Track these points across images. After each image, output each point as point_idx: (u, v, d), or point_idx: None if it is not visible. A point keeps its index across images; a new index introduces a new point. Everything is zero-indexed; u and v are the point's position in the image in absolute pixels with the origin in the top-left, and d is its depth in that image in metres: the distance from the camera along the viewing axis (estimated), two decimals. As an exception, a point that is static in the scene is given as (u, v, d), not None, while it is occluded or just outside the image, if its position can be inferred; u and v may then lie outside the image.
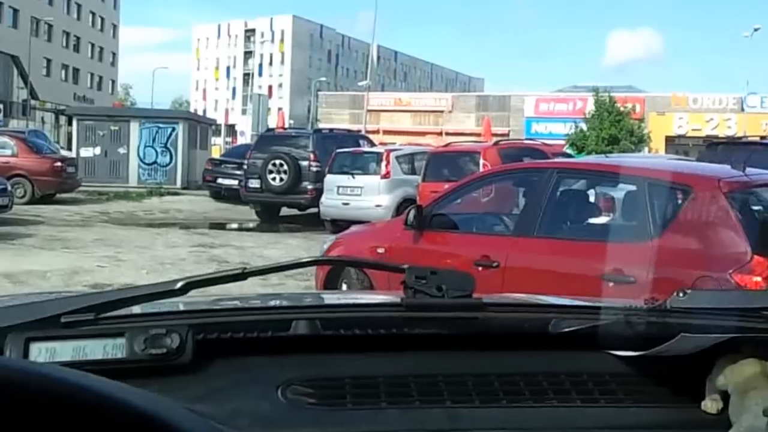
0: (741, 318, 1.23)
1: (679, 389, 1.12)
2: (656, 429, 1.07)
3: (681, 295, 1.34)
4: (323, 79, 76.39)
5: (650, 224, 4.52)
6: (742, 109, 38.72)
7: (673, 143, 35.90)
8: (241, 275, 1.26)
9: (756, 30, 40.82)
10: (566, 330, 1.24)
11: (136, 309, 1.25)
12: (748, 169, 4.70)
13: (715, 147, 11.69)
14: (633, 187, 5.00)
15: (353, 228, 7.16)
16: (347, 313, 1.39)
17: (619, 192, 5.61)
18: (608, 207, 5.62)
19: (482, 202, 6.92)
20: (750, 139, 12.71)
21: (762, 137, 12.71)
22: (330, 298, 2.96)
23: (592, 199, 5.98)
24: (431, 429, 1.03)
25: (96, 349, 1.09)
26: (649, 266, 4.19)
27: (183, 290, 1.21)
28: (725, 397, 1.07)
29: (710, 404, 1.09)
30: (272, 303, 1.58)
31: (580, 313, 1.35)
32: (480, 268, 4.82)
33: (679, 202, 4.60)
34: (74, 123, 25.37)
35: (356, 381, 1.12)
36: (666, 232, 4.46)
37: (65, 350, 1.07)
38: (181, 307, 1.32)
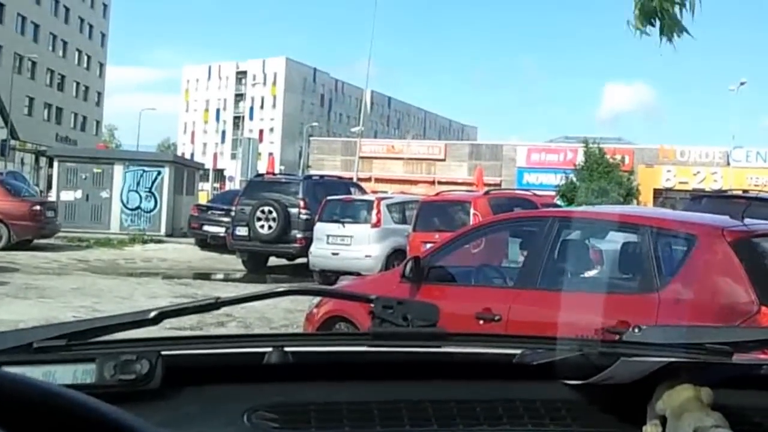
0: (684, 350, 1.35)
1: (623, 415, 1.21)
2: None
3: (636, 330, 1.48)
4: (315, 123, 77.01)
5: (655, 275, 4.53)
6: (728, 163, 40.15)
7: (661, 196, 36.54)
8: (214, 305, 1.33)
9: (742, 84, 41.93)
10: (525, 361, 1.33)
11: (108, 337, 1.28)
12: (746, 220, 4.74)
13: (699, 199, 12.25)
14: (636, 237, 4.99)
15: (344, 282, 7.11)
16: (315, 342, 1.47)
17: (621, 241, 5.58)
18: (610, 257, 5.56)
19: (478, 254, 6.87)
20: (733, 192, 13.39)
21: (745, 191, 13.41)
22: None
23: (594, 248, 5.95)
24: None
25: (66, 374, 1.12)
26: (655, 319, 4.14)
27: (156, 320, 1.27)
28: (664, 422, 1.15)
29: (650, 429, 1.17)
30: (241, 333, 1.58)
31: (538, 344, 1.43)
32: (481, 322, 4.81)
33: (684, 251, 4.62)
34: (55, 165, 25.12)
35: (321, 407, 1.17)
36: (672, 283, 4.45)
37: (35, 375, 1.06)
38: (153, 336, 1.35)
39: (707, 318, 4.09)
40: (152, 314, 1.27)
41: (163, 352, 1.18)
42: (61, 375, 1.12)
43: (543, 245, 5.11)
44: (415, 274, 5.27)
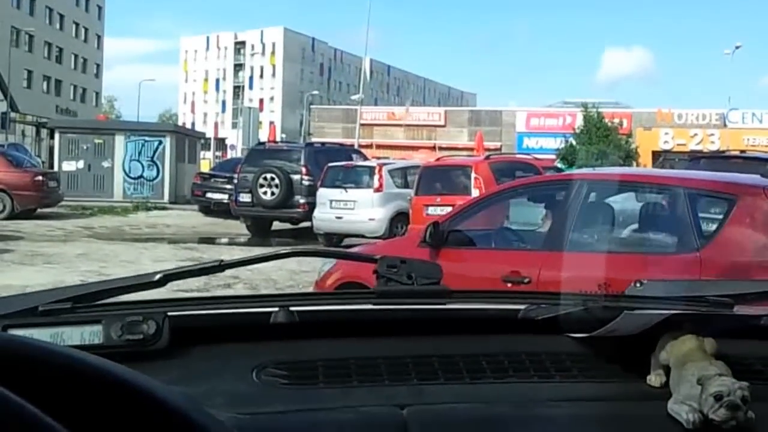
0: (686, 303, 1.38)
1: (627, 366, 1.23)
2: (605, 401, 1.15)
3: (638, 285, 1.52)
4: (315, 92, 76.56)
5: (695, 235, 4.49)
6: (725, 125, 40.28)
7: (660, 158, 36.56)
8: (218, 267, 1.33)
9: (737, 48, 41.79)
10: (529, 316, 1.35)
11: (114, 299, 1.29)
12: None
13: (697, 160, 12.30)
14: (671, 198, 4.95)
15: (355, 249, 7.03)
16: (321, 301, 1.46)
17: (655, 203, 5.53)
18: (644, 219, 5.41)
19: (498, 218, 6.63)
20: (731, 152, 13.47)
21: (742, 151, 13.50)
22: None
23: (626, 211, 5.82)
24: (398, 404, 1.09)
25: (74, 335, 1.13)
26: (698, 277, 4.12)
27: (161, 282, 1.27)
28: (668, 372, 1.18)
29: (654, 378, 1.20)
30: (246, 294, 1.59)
31: (542, 300, 1.44)
32: (510, 285, 4.72)
33: (724, 211, 4.57)
34: (56, 136, 25.12)
35: (328, 363, 1.18)
36: (713, 243, 4.43)
37: (43, 337, 1.08)
38: (159, 298, 1.35)
39: (750, 276, 4.05)
40: (157, 277, 1.28)
41: (169, 313, 1.18)
42: (69, 336, 1.12)
43: (572, 208, 5.03)
44: (434, 238, 5.15)
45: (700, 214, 4.76)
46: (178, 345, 1.16)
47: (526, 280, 4.78)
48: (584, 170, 8.18)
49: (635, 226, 5.49)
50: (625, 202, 5.98)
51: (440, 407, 1.10)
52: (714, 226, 4.71)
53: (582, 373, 1.21)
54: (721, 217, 4.63)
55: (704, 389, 1.06)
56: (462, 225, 5.58)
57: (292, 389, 1.12)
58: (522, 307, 1.39)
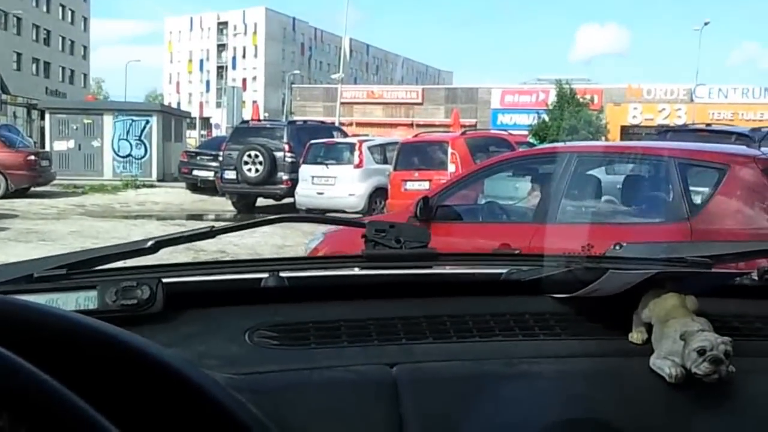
0: (665, 263, 1.36)
1: (609, 324, 1.22)
2: (589, 357, 1.16)
3: (617, 247, 1.51)
4: (297, 72, 75.99)
5: (685, 204, 4.42)
6: (692, 100, 40.10)
7: (628, 132, 36.74)
8: (210, 233, 1.32)
9: (706, 24, 41.80)
10: (512, 278, 1.35)
11: (108, 266, 1.28)
12: (763, 149, 4.65)
13: (665, 134, 12.23)
14: (660, 168, 4.87)
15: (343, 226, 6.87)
16: (310, 265, 1.44)
17: (644, 174, 5.39)
18: (634, 190, 5.31)
19: (482, 192, 6.48)
20: (697, 126, 13.43)
21: (708, 125, 13.49)
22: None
23: (615, 182, 5.66)
24: (388, 362, 1.09)
25: (69, 301, 1.11)
26: None
27: (153, 249, 1.26)
28: (650, 329, 1.17)
29: (636, 335, 1.19)
30: (237, 259, 1.63)
31: (526, 262, 1.44)
32: None
33: (714, 180, 4.46)
34: (47, 117, 24.92)
35: (319, 325, 1.17)
36: (703, 212, 4.37)
37: (38, 302, 1.11)
38: (152, 263, 1.33)
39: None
40: (149, 243, 1.26)
41: (163, 279, 1.17)
42: (64, 302, 1.10)
43: (561, 180, 4.92)
44: (424, 213, 5.04)
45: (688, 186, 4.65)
46: (171, 309, 1.15)
47: (516, 252, 4.77)
48: (561, 144, 8.03)
49: (624, 196, 5.39)
50: (613, 174, 5.86)
51: (429, 365, 1.10)
52: (700, 198, 4.60)
53: (565, 332, 1.21)
54: (708, 188, 4.52)
55: (687, 344, 1.05)
56: (449, 200, 5.48)
57: (285, 350, 1.11)
58: (505, 270, 1.38)
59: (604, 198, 5.39)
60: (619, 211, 5.21)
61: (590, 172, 5.36)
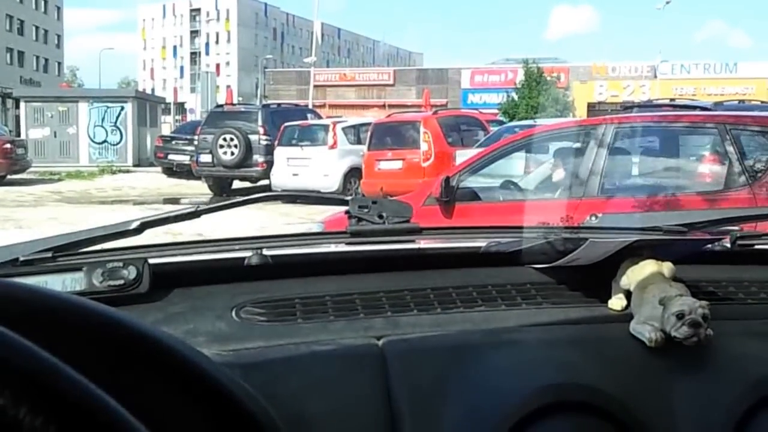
0: (642, 232, 1.37)
1: (588, 292, 1.23)
2: (570, 324, 1.17)
3: (593, 218, 1.53)
4: (270, 56, 75.41)
5: (744, 171, 4.25)
6: (656, 76, 40.40)
7: (594, 109, 36.93)
8: (195, 213, 1.31)
9: (668, 2, 42.06)
10: (493, 250, 1.36)
11: (93, 247, 1.26)
12: None
13: (629, 110, 12.38)
14: (708, 136, 4.66)
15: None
16: (294, 242, 1.43)
17: (689, 144, 5.17)
18: (680, 159, 5.08)
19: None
20: (660, 101, 13.57)
21: (671, 100, 13.62)
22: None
23: (658, 152, 5.39)
24: (374, 335, 1.09)
25: (55, 283, 1.10)
26: None
27: (138, 230, 1.24)
28: (628, 296, 1.18)
29: (616, 302, 1.20)
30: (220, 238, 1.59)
31: (506, 233, 1.45)
32: None
33: None
34: (22, 105, 24.54)
35: (305, 300, 1.17)
36: (764, 177, 4.20)
37: None
38: (137, 245, 1.31)
39: None
40: (135, 224, 1.24)
41: (149, 260, 1.15)
42: (51, 284, 1.09)
43: (600, 153, 4.61)
44: (446, 194, 4.71)
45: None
46: (158, 289, 1.14)
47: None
48: (528, 122, 7.78)
49: (674, 167, 5.12)
50: (657, 144, 5.52)
51: (414, 336, 1.10)
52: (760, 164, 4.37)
53: (546, 300, 1.22)
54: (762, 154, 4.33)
55: (666, 309, 1.06)
56: (475, 178, 5.16)
57: (272, 325, 1.11)
58: (485, 243, 1.39)
59: (652, 169, 5.14)
60: (666, 182, 4.90)
61: (636, 143, 5.13)
